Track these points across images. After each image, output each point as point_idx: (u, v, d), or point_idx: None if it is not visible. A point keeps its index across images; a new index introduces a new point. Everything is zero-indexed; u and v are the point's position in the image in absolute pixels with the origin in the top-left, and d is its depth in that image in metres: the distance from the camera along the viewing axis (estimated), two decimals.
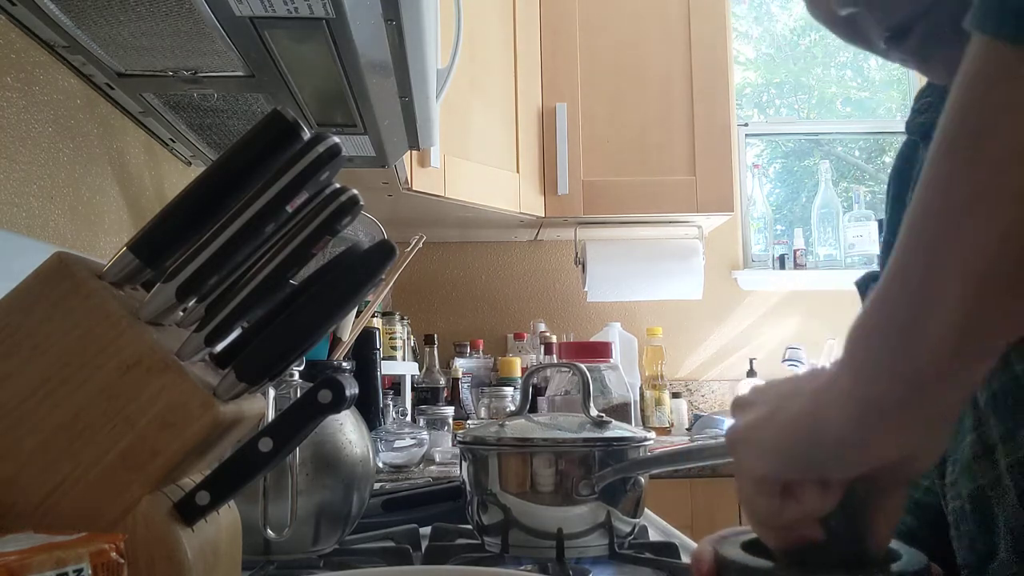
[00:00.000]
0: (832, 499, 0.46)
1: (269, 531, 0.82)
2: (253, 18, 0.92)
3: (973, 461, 0.63)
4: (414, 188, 2.08)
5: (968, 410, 0.64)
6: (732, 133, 2.57)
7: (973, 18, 0.38)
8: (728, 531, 0.57)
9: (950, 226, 0.38)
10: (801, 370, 2.66)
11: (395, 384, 2.23)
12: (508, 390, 2.32)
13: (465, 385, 2.56)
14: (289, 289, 0.58)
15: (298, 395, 0.69)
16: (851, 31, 0.68)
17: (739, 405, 0.51)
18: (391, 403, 2.12)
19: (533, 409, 1.70)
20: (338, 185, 0.57)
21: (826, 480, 0.46)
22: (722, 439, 0.53)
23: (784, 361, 2.71)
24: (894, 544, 0.50)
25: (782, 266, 2.92)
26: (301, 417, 0.55)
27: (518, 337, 2.79)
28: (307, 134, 0.55)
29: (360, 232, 1.78)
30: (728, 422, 2.36)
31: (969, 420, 0.64)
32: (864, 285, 0.85)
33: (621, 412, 1.43)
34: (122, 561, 0.42)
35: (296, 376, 0.91)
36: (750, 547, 0.51)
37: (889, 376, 0.41)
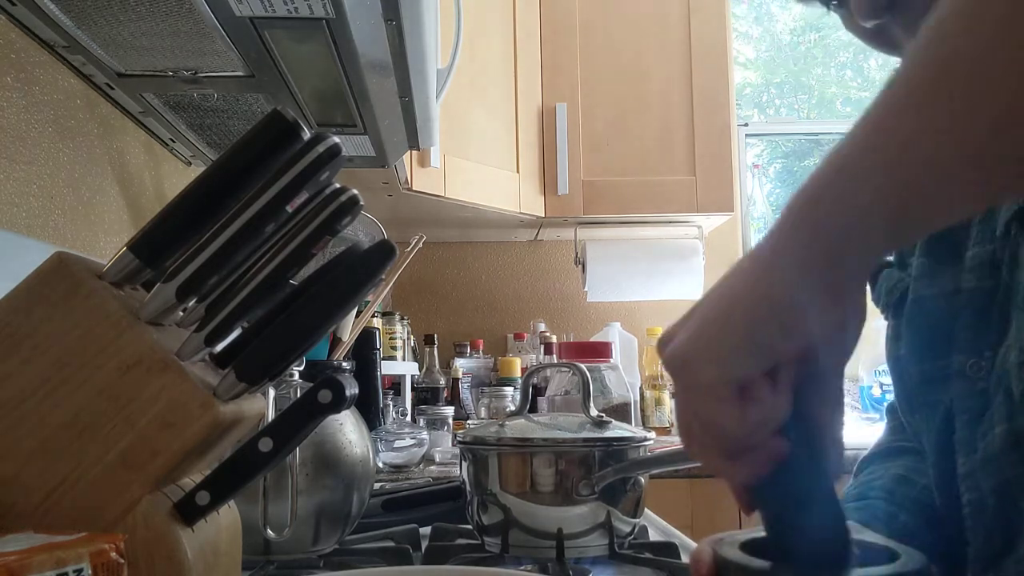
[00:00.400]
0: (785, 395, 0.45)
1: (269, 531, 0.82)
2: (253, 18, 0.92)
3: (1001, 454, 0.63)
4: (414, 188, 2.08)
5: (1001, 400, 0.63)
6: (732, 133, 2.57)
7: None
8: (726, 534, 0.57)
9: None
10: None
11: (395, 384, 2.23)
12: (508, 390, 2.32)
13: (465, 385, 2.56)
14: (289, 289, 0.58)
15: (298, 395, 0.70)
16: (883, 41, 0.69)
17: (667, 337, 0.48)
18: (391, 403, 2.12)
19: (533, 409, 1.70)
20: (338, 185, 0.57)
21: (776, 378, 0.44)
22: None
23: None
24: (892, 544, 0.50)
25: None
26: (301, 417, 0.55)
27: (518, 337, 2.79)
28: (307, 134, 0.55)
29: (360, 232, 1.78)
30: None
31: (1001, 411, 0.63)
32: (874, 274, 0.85)
33: (621, 412, 1.43)
34: (122, 561, 0.42)
35: (296, 376, 0.91)
36: (748, 547, 0.51)
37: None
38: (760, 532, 0.51)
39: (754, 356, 0.44)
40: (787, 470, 0.46)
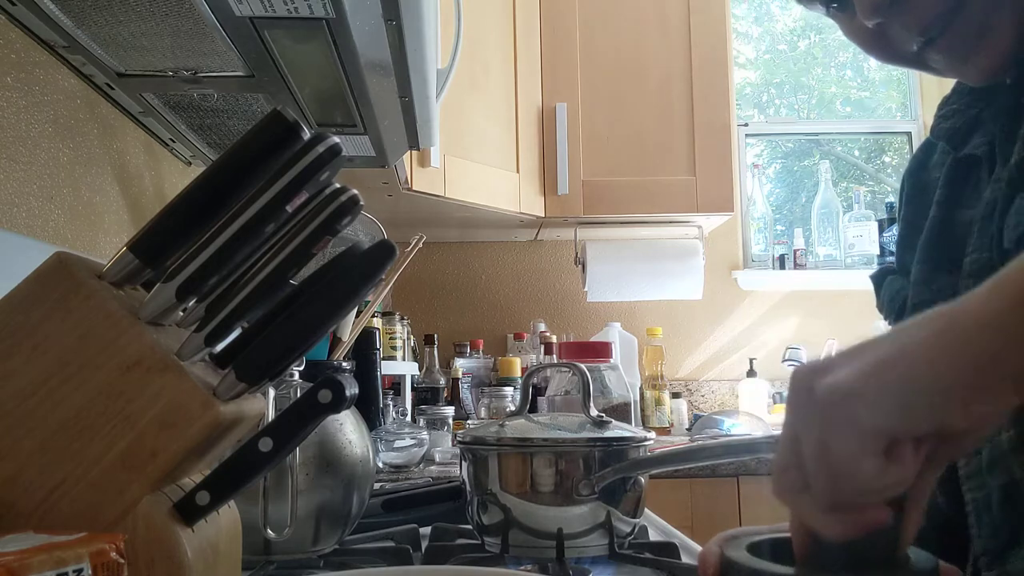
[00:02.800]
0: (918, 468, 0.44)
1: (269, 531, 0.82)
2: (253, 18, 0.92)
3: (1011, 453, 0.63)
4: (414, 188, 2.08)
5: None
6: (732, 133, 2.57)
7: None
8: (739, 530, 0.57)
9: None
10: None
11: (395, 384, 2.23)
12: (508, 390, 2.32)
13: (465, 385, 2.56)
14: (289, 289, 0.58)
15: (298, 395, 0.69)
16: (882, 44, 0.69)
17: (822, 368, 0.45)
18: (391, 403, 2.12)
19: (533, 409, 1.70)
20: (338, 185, 0.57)
21: (929, 444, 0.43)
22: (723, 439, 0.51)
23: (784, 361, 2.71)
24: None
25: (782, 266, 2.92)
26: (301, 417, 0.55)
27: (518, 337, 2.79)
28: (307, 134, 0.55)
29: (360, 232, 1.78)
30: (731, 422, 2.36)
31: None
32: (880, 279, 0.85)
33: (621, 412, 1.43)
34: (122, 561, 0.42)
35: (296, 376, 0.91)
36: (754, 549, 0.51)
37: None
38: (766, 532, 0.51)
39: (925, 421, 0.42)
40: (874, 538, 0.45)
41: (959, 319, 0.43)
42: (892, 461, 0.43)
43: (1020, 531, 0.64)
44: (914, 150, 0.87)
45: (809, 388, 0.45)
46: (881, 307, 0.84)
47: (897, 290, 0.79)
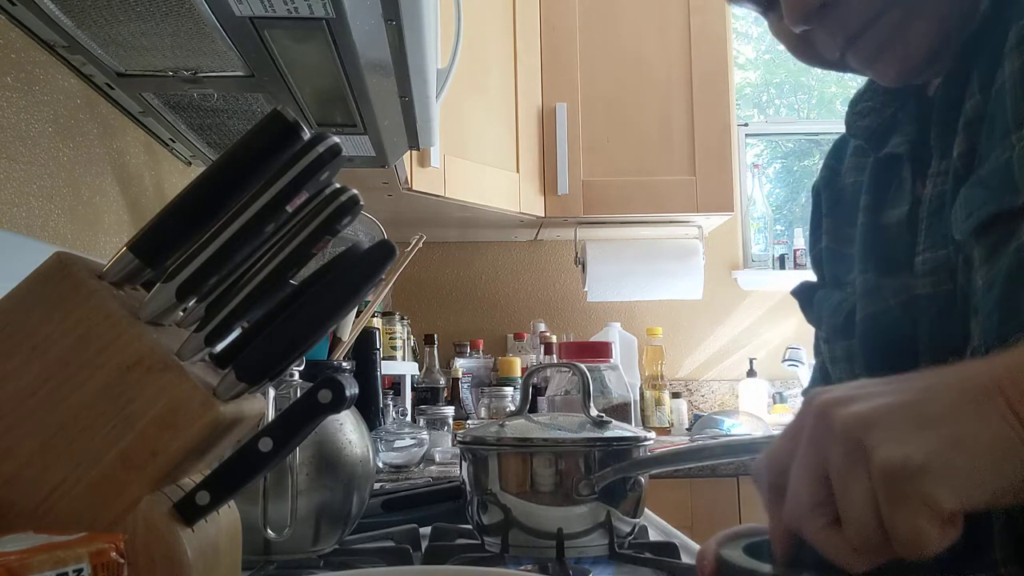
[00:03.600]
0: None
1: (269, 531, 0.82)
2: (253, 18, 0.92)
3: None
4: (414, 188, 2.08)
5: None
6: (732, 133, 2.57)
7: None
8: (740, 528, 0.56)
9: None
10: (801, 370, 2.67)
11: (395, 384, 2.23)
12: (508, 390, 2.32)
13: (465, 385, 2.56)
14: (289, 289, 0.58)
15: (298, 395, 0.69)
16: (807, 48, 0.71)
17: (843, 399, 0.45)
18: (391, 403, 2.12)
19: (533, 409, 1.70)
20: (338, 185, 0.57)
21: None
22: (723, 439, 0.51)
23: (784, 361, 2.71)
24: None
25: (782, 266, 2.92)
26: (301, 417, 0.55)
27: (518, 337, 2.79)
28: (307, 134, 0.55)
29: (360, 232, 1.78)
30: (731, 422, 2.36)
31: None
32: (806, 294, 0.85)
33: (621, 412, 1.43)
34: (122, 561, 0.42)
35: (296, 376, 0.91)
36: (751, 550, 0.51)
37: None
38: (767, 531, 0.51)
39: (998, 500, 0.42)
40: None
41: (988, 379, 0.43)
42: (948, 524, 0.42)
43: (976, 541, 0.63)
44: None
45: (856, 441, 0.43)
46: (816, 321, 0.84)
47: (838, 302, 0.78)
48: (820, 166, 0.91)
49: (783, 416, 2.67)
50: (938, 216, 0.67)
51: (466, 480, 0.94)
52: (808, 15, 0.66)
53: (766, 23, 0.74)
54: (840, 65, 0.71)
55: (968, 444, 0.42)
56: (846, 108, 0.82)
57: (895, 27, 0.65)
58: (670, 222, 2.64)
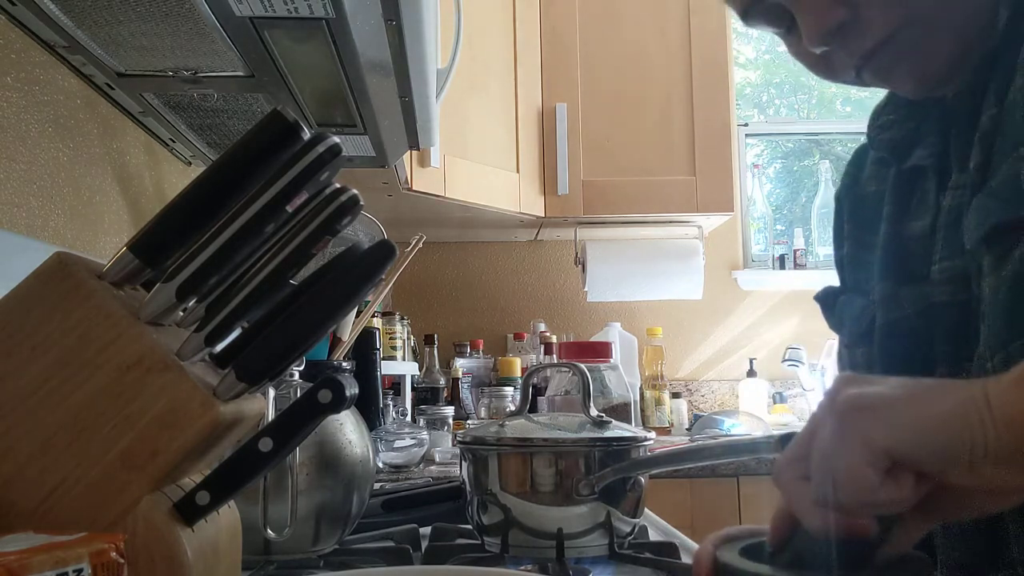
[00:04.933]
0: (918, 496, 0.46)
1: (269, 531, 0.82)
2: (253, 18, 0.92)
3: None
4: (414, 188, 2.08)
5: None
6: (732, 133, 2.57)
7: None
8: (735, 529, 0.57)
9: None
10: (801, 370, 2.67)
11: (395, 384, 2.23)
12: (508, 390, 2.32)
13: (465, 385, 2.56)
14: (289, 289, 0.58)
15: (298, 395, 0.69)
16: (825, 67, 0.72)
17: (854, 380, 0.49)
18: (391, 403, 2.12)
19: (533, 409, 1.70)
20: (338, 185, 0.57)
21: (930, 477, 0.46)
22: (723, 439, 0.52)
23: (784, 361, 2.71)
24: None
25: (782, 266, 2.92)
26: (301, 417, 0.55)
27: (518, 337, 2.79)
28: (307, 134, 0.55)
29: (360, 232, 1.78)
30: (731, 422, 2.36)
31: None
32: (829, 299, 0.85)
33: (621, 412, 1.43)
34: (122, 561, 0.42)
35: (296, 376, 0.91)
36: (748, 552, 0.51)
37: None
38: (765, 532, 0.51)
39: (935, 463, 0.45)
40: (847, 546, 0.47)
41: (992, 398, 0.45)
42: (891, 481, 0.45)
43: (993, 540, 0.64)
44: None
45: (837, 391, 0.48)
46: (837, 326, 0.85)
47: (861, 309, 0.79)
48: (836, 173, 0.92)
49: (783, 416, 2.67)
50: (955, 227, 0.68)
51: (466, 480, 0.94)
52: (826, 36, 0.67)
53: (786, 45, 0.75)
54: (858, 81, 0.72)
55: (926, 404, 0.46)
56: (868, 120, 0.83)
57: (911, 43, 0.66)
58: (670, 222, 2.64)
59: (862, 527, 0.47)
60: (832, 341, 2.71)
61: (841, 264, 0.87)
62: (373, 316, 1.93)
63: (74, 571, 0.40)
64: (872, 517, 0.47)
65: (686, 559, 0.90)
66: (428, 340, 2.55)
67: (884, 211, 0.78)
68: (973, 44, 0.67)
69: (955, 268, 0.67)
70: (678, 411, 2.68)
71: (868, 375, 0.49)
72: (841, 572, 0.47)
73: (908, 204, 0.75)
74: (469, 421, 2.33)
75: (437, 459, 1.97)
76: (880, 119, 0.80)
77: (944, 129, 0.72)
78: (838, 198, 0.88)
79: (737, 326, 2.94)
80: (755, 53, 3.38)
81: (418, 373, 2.44)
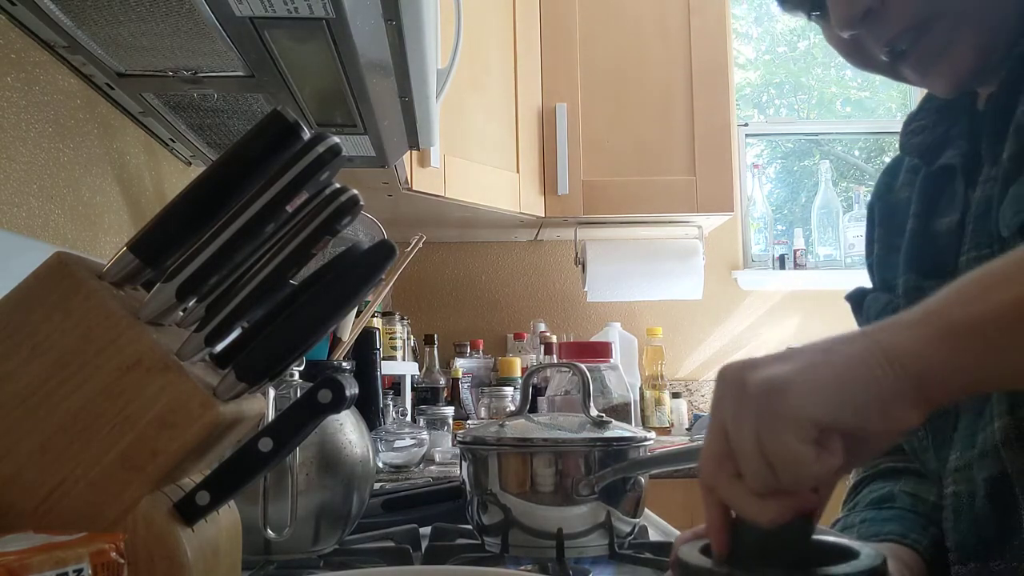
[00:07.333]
0: (855, 460, 0.47)
1: (269, 531, 0.82)
2: (253, 18, 0.92)
3: (1002, 447, 0.64)
4: (414, 188, 2.08)
5: (999, 395, 0.65)
6: (732, 133, 2.57)
7: None
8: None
9: None
10: None
11: (395, 384, 2.23)
12: (508, 390, 2.32)
13: (465, 385, 2.56)
14: (289, 289, 0.58)
15: (298, 395, 0.69)
16: (857, 52, 0.74)
17: (753, 364, 0.48)
18: (391, 403, 2.12)
19: (533, 409, 1.70)
20: (338, 185, 0.57)
21: (857, 438, 0.47)
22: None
23: None
24: (856, 544, 0.51)
25: (782, 266, 2.92)
26: (301, 417, 0.55)
27: (518, 337, 2.79)
28: (307, 134, 0.55)
29: (360, 232, 1.78)
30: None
31: (1001, 406, 0.65)
32: (859, 298, 0.86)
33: (621, 412, 1.43)
34: (122, 561, 0.42)
35: (296, 376, 0.91)
36: (708, 549, 0.51)
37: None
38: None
39: (853, 416, 0.46)
40: (790, 529, 0.47)
41: (884, 343, 0.46)
42: (823, 449, 0.45)
43: (1004, 525, 0.65)
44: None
45: (741, 381, 0.47)
46: (865, 324, 0.85)
47: (885, 304, 0.81)
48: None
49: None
50: (985, 218, 0.69)
51: (466, 480, 0.94)
52: (854, 20, 0.69)
53: (821, 30, 0.77)
54: (892, 72, 0.74)
55: (831, 361, 0.46)
56: (901, 128, 0.85)
57: (945, 38, 0.68)
58: (670, 222, 2.64)
59: (809, 500, 0.47)
60: None
61: (871, 268, 0.88)
62: (373, 316, 1.93)
63: (74, 571, 0.40)
64: (811, 489, 0.47)
65: None
66: (428, 340, 2.55)
67: (911, 208, 0.79)
68: (1002, 42, 0.68)
69: (982, 258, 0.68)
70: (678, 411, 2.68)
71: (755, 358, 0.49)
72: (794, 551, 0.48)
73: (937, 202, 0.77)
74: (469, 421, 2.33)
75: (437, 459, 1.97)
76: (912, 125, 0.82)
77: (975, 131, 0.74)
78: (870, 206, 0.91)
79: (737, 326, 2.94)
80: (755, 53, 3.38)
81: (418, 373, 2.44)
